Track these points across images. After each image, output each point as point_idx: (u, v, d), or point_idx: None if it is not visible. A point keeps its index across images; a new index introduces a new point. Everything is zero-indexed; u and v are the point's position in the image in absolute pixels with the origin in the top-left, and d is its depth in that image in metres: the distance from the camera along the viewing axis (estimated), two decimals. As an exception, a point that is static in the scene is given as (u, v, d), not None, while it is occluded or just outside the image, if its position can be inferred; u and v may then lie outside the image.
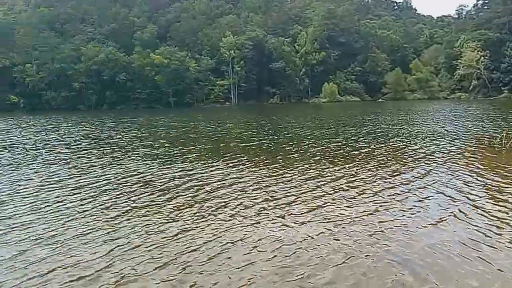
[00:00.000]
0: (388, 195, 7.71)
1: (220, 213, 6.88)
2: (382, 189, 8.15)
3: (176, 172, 10.55)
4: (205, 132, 23.61)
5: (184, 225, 6.32)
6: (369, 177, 9.33)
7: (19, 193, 8.76)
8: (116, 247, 5.51)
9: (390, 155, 12.53)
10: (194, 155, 13.85)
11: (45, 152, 15.87)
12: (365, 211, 6.76)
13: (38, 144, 19.16)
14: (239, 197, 7.88)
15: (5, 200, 8.13)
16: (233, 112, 52.41)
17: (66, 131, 27.09)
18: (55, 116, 54.13)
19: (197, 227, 6.22)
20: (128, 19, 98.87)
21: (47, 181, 9.95)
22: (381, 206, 7.04)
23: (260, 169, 10.63)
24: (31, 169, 11.89)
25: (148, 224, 6.41)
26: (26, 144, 19.03)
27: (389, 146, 14.48)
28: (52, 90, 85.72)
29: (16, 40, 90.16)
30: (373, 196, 7.69)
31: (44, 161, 13.40)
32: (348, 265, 4.82)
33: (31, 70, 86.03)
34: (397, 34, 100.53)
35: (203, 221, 6.48)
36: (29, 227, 6.42)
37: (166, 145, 17.18)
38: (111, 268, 4.87)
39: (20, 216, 6.99)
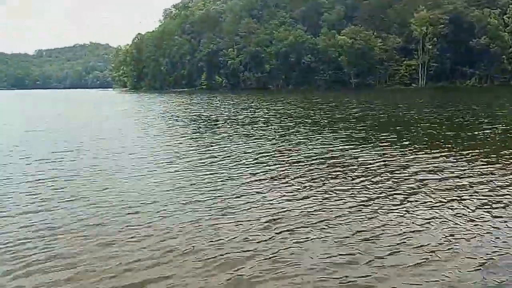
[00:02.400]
0: None
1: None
2: None
3: (384, 157, 11.33)
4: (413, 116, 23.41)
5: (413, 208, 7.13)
6: None
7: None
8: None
9: None
10: (413, 143, 14.30)
11: (255, 126, 18.93)
12: None
13: (252, 119, 22.80)
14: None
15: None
16: (424, 95, 49.01)
17: (270, 108, 30.97)
18: (252, 94, 61.72)
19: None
20: (317, 1, 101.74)
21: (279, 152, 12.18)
22: None
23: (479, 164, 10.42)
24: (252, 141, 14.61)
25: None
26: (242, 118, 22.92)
27: None
28: (248, 71, 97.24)
29: (222, 27, 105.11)
30: None
31: (258, 135, 16.17)
32: None
33: (232, 54, 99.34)
34: None
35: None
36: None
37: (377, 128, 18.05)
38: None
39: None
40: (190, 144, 14.56)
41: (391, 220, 6.28)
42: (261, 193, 7.86)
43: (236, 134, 16.94)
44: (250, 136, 16.07)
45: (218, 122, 22.14)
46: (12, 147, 14.41)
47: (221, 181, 8.88)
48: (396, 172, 9.44)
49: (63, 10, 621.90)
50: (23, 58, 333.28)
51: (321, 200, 7.37)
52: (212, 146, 13.89)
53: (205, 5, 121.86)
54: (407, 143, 13.67)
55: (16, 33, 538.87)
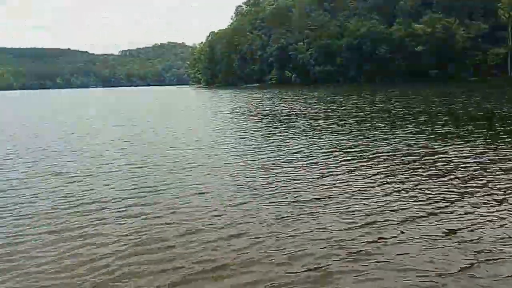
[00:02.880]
0: None
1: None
2: None
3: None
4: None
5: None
6: None
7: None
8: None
9: None
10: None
11: (341, 122, 19.21)
12: None
13: (333, 114, 23.11)
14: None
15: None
16: None
17: (344, 103, 30.92)
18: (322, 88, 61.25)
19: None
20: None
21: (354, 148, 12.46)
22: None
23: None
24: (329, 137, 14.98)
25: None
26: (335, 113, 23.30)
27: None
28: (318, 65, 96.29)
29: (292, 21, 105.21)
30: None
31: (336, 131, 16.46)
32: None
33: (302, 48, 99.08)
34: None
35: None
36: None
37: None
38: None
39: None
40: (265, 138, 14.87)
41: (488, 221, 5.84)
42: (341, 189, 7.81)
43: (310, 128, 17.13)
44: (325, 131, 16.10)
45: (290, 117, 22.72)
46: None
47: (297, 177, 8.81)
48: (490, 169, 8.82)
49: (144, 10, 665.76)
50: (109, 59, 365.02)
51: (407, 197, 7.10)
52: (286, 140, 14.13)
53: (275, 0, 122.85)
54: (503, 138, 12.86)
55: (99, 34, 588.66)
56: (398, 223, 5.90)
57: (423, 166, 9.48)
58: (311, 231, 5.73)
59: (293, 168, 9.71)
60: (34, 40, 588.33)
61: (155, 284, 4.45)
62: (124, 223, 6.36)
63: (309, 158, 10.90)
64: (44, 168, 10.73)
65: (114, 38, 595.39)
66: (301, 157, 11.10)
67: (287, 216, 6.36)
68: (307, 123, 19.30)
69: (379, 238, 5.40)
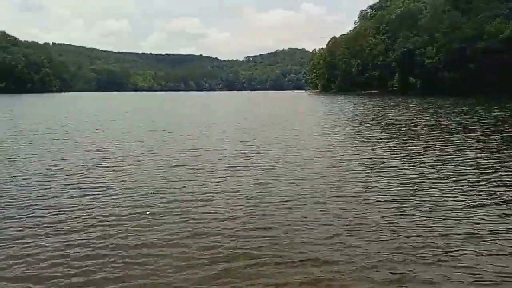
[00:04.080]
0: None
1: None
2: None
3: None
4: None
5: None
6: None
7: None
8: None
9: None
10: None
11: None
12: None
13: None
14: None
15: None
16: None
17: (485, 115, 28.15)
18: (454, 99, 56.04)
19: None
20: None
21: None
22: None
23: None
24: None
25: None
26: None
27: None
28: (447, 72, 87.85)
29: (421, 24, 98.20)
30: None
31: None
32: None
33: (431, 52, 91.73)
34: None
35: None
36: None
37: None
38: None
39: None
40: (392, 150, 14.49)
41: None
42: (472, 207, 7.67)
43: (444, 143, 16.12)
44: (462, 146, 15.27)
45: (417, 128, 21.62)
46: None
47: (443, 204, 8.00)
48: None
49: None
50: (234, 64, 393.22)
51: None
52: (414, 154, 13.55)
53: (403, 3, 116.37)
54: None
55: (226, 41, 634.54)
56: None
57: None
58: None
59: (436, 190, 8.92)
60: (173, 46, 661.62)
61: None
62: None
63: (446, 179, 10.00)
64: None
65: (240, 46, 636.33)
66: (439, 177, 10.17)
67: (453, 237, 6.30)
68: (439, 137, 18.19)
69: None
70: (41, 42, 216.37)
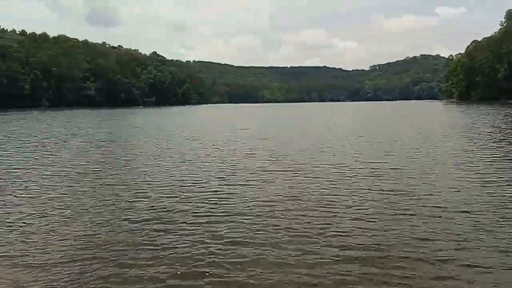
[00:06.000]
0: None
1: None
2: None
3: None
4: None
5: None
6: None
7: None
8: None
9: None
10: None
11: None
12: None
13: None
14: None
15: None
16: None
17: None
18: None
19: None
20: None
21: None
22: None
23: None
24: None
25: None
26: None
27: None
28: None
29: None
30: None
31: None
32: None
33: None
34: None
35: None
36: None
37: None
38: None
39: None
40: None
41: None
42: None
43: None
44: None
45: None
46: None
47: None
48: None
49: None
50: (359, 74, 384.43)
51: None
52: None
53: None
54: None
55: (345, 53, 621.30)
56: None
57: None
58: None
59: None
60: (298, 59, 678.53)
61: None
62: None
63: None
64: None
65: (367, 54, 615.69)
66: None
67: None
68: None
69: None
70: (184, 60, 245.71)
